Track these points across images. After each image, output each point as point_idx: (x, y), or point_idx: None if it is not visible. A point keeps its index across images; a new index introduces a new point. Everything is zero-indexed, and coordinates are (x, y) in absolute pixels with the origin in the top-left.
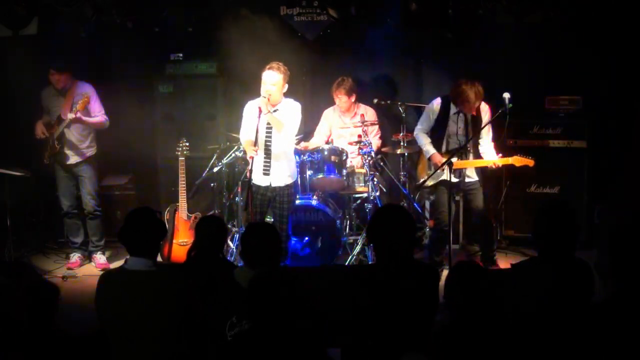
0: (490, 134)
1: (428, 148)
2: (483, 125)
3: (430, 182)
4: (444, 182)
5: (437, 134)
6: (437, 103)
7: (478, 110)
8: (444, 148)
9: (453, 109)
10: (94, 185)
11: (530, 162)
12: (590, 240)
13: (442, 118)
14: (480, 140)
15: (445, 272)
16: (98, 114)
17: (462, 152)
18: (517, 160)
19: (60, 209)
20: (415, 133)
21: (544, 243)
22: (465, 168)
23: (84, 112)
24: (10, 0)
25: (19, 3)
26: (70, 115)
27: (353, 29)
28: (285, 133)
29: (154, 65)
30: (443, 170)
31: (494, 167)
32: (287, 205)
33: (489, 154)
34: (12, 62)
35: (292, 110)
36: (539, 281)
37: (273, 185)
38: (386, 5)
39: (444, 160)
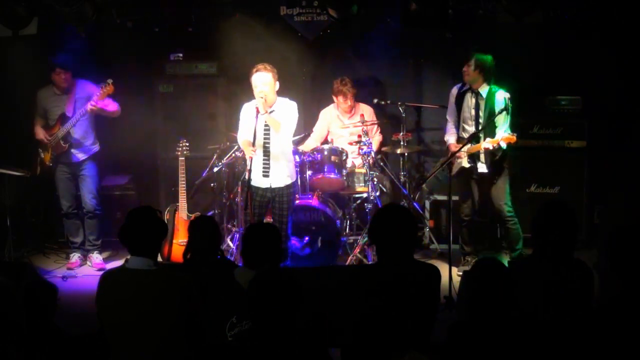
0: (507, 123)
1: (447, 137)
2: (497, 112)
3: (452, 173)
4: (462, 170)
5: (455, 118)
6: (455, 87)
7: (492, 95)
8: (460, 133)
9: (465, 87)
10: (96, 185)
11: (512, 139)
12: (590, 240)
13: (458, 100)
14: (496, 129)
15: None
16: (109, 104)
17: (474, 139)
18: (504, 139)
19: (60, 209)
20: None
21: (542, 242)
22: (476, 155)
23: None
24: (10, 0)
25: (19, 3)
26: (91, 105)
27: (353, 29)
28: (283, 133)
29: (154, 65)
30: (456, 162)
31: (483, 149)
32: (287, 206)
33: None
34: (12, 62)
35: (288, 110)
36: (539, 281)
37: (273, 186)
38: (386, 5)
39: (454, 150)
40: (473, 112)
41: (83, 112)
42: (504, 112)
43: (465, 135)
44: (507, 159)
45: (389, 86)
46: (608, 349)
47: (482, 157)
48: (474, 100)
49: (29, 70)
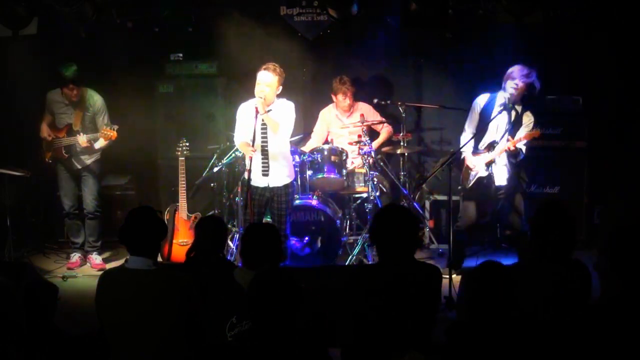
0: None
1: (463, 149)
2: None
3: (468, 185)
4: (479, 183)
5: (479, 128)
6: (482, 97)
7: (522, 113)
8: (481, 144)
9: (500, 100)
10: (97, 186)
11: (536, 133)
12: (590, 240)
13: (486, 111)
14: (518, 144)
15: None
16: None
17: (492, 148)
18: (526, 136)
19: (62, 209)
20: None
21: (542, 242)
22: (491, 165)
23: (93, 127)
24: (10, 0)
25: (19, 3)
26: (83, 141)
27: (353, 29)
28: (281, 133)
29: (154, 65)
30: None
31: (509, 150)
32: (285, 205)
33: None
34: (12, 62)
35: (285, 110)
36: (539, 281)
37: (271, 185)
38: (386, 5)
39: (472, 162)
40: (506, 127)
41: (83, 143)
42: (528, 129)
43: (484, 146)
44: (523, 170)
45: (389, 86)
46: (608, 349)
47: (502, 162)
48: (507, 116)
49: (29, 70)
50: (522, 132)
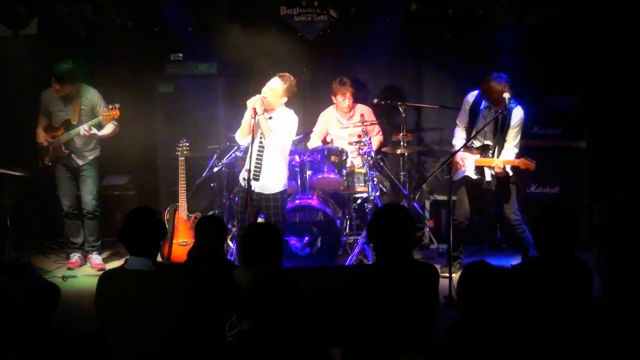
0: (517, 140)
1: (455, 142)
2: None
3: (455, 178)
4: (466, 178)
5: (466, 125)
6: (471, 94)
7: (510, 110)
8: (471, 142)
9: (484, 103)
10: (96, 186)
11: (532, 166)
12: (590, 240)
13: (473, 111)
14: (505, 144)
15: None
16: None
17: (485, 151)
18: (521, 163)
19: (61, 209)
20: (455, 128)
21: (543, 243)
22: (484, 168)
23: (92, 116)
24: (10, 0)
25: (19, 3)
26: (84, 131)
27: (353, 29)
28: (273, 140)
29: (154, 65)
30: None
31: (497, 169)
32: (276, 212)
33: (505, 157)
34: (12, 62)
35: (286, 120)
36: (539, 281)
37: (257, 190)
38: (386, 5)
39: (460, 156)
40: (492, 126)
41: (85, 132)
42: (517, 128)
43: (477, 145)
44: (515, 173)
45: (389, 86)
46: (608, 348)
47: (490, 170)
48: (492, 117)
49: (29, 70)
50: (512, 135)
